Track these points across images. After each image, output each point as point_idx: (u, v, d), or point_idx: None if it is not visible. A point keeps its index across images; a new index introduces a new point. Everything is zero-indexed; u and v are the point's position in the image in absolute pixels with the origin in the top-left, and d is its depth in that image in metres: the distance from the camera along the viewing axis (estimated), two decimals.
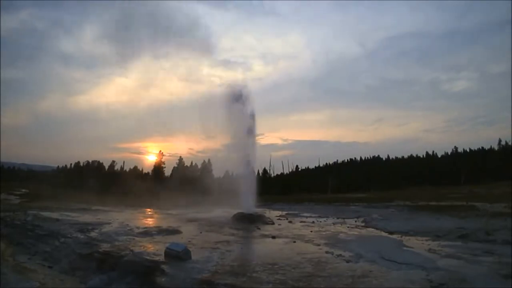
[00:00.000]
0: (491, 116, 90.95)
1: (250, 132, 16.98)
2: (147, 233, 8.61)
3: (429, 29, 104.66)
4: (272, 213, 15.00)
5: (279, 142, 77.56)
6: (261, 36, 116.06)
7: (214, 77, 48.36)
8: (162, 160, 44.62)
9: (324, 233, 9.30)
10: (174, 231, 9.03)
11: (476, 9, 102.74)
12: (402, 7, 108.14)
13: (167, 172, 44.16)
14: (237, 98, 17.05)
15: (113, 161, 49.30)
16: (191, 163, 43.66)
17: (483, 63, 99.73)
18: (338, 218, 13.47)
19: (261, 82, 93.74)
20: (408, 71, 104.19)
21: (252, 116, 17.09)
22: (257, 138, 17.71)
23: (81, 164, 53.67)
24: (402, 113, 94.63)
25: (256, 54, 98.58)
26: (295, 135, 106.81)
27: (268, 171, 46.00)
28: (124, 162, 49.59)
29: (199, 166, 38.77)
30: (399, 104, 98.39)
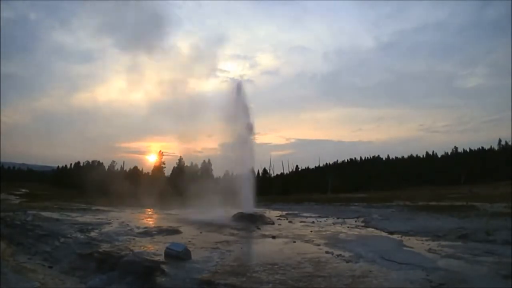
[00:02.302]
0: (496, 115, 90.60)
1: (249, 130, 16.95)
2: (147, 233, 8.59)
3: (445, 23, 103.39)
4: (272, 213, 15.00)
5: (280, 141, 77.30)
6: (275, 27, 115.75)
7: (223, 72, 48.77)
8: (162, 160, 44.65)
9: (324, 233, 9.30)
10: (174, 231, 9.01)
11: (495, 4, 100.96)
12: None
13: (167, 172, 44.19)
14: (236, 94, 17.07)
15: (113, 161, 49.34)
16: (191, 163, 43.66)
17: (497, 60, 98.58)
18: (338, 218, 13.47)
19: (271, 76, 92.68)
20: (421, 66, 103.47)
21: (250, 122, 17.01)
22: (253, 136, 17.64)
23: (81, 164, 53.74)
24: (405, 111, 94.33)
25: (267, 47, 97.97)
26: (298, 133, 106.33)
27: (268, 171, 46.07)
28: (124, 162, 49.70)
29: (199, 166, 38.77)
30: (404, 102, 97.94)
